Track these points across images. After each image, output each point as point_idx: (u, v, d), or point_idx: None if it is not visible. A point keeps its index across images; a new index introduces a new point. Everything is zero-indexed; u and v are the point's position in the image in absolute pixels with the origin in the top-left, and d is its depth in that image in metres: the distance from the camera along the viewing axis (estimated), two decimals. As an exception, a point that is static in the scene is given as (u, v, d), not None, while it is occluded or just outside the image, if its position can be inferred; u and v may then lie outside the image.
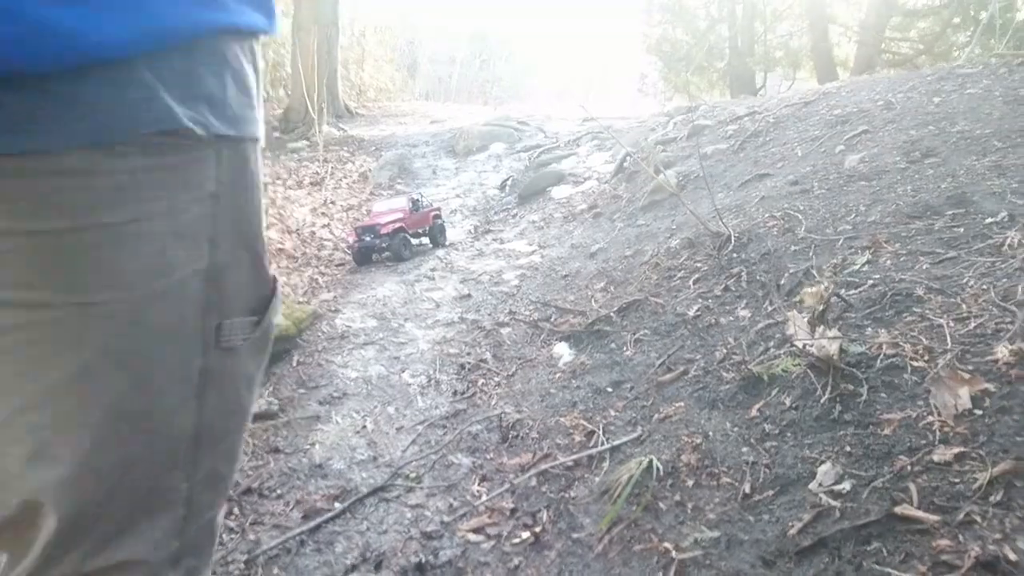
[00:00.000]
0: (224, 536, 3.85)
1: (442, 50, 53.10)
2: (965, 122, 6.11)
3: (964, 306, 3.23)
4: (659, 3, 24.12)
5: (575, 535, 3.22)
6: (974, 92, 7.05)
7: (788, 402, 3.18)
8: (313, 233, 12.43)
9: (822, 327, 3.24)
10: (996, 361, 2.72)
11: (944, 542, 2.13)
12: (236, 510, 4.10)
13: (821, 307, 3.27)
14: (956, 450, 2.42)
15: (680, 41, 24.06)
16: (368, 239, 10.28)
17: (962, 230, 4.07)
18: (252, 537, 3.81)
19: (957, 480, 2.32)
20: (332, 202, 15.04)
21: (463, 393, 5.30)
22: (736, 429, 3.26)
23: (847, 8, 20.18)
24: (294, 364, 6.10)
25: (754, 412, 3.29)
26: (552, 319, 6.09)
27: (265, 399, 5.36)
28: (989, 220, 4.10)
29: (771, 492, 2.75)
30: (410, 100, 40.43)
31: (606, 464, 3.62)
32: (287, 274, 9.93)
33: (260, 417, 5.15)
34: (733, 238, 5.36)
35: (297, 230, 12.72)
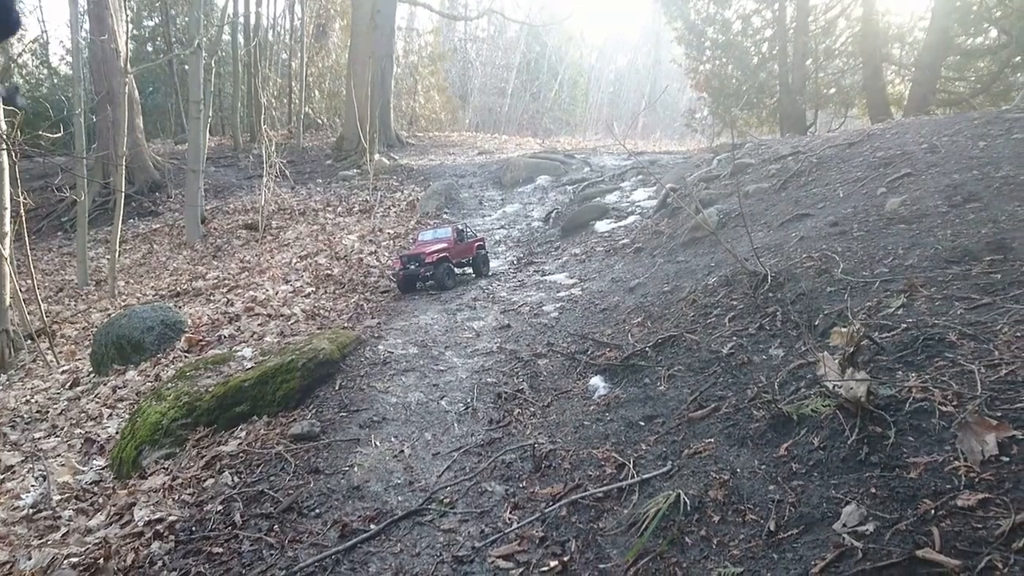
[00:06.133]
0: (264, 552, 4.00)
1: (493, 82, 54.02)
2: (1010, 167, 6.06)
3: (996, 352, 3.24)
4: (711, 39, 24.15)
5: (602, 566, 3.28)
6: (1021, 137, 6.97)
7: (816, 442, 3.22)
8: (360, 260, 12.74)
9: (851, 369, 3.28)
10: (1024, 408, 2.74)
11: (963, 587, 2.16)
12: (276, 527, 4.24)
13: (851, 349, 3.30)
14: (981, 496, 2.45)
15: (730, 77, 24.00)
16: (413, 267, 10.51)
17: (999, 276, 4.06)
18: (290, 554, 3.94)
19: (980, 526, 2.35)
20: (380, 230, 15.40)
21: (499, 422, 5.40)
22: (764, 467, 3.31)
23: (902, 47, 19.93)
24: (336, 388, 6.27)
25: (782, 451, 3.33)
26: (589, 352, 6.18)
27: (308, 421, 5.54)
28: (1028, 267, 4.09)
29: (796, 531, 2.80)
30: (460, 130, 41.21)
31: (635, 497, 3.68)
32: (333, 299, 10.20)
33: (302, 438, 5.32)
34: (770, 278, 5.40)
35: (345, 257, 13.07)
